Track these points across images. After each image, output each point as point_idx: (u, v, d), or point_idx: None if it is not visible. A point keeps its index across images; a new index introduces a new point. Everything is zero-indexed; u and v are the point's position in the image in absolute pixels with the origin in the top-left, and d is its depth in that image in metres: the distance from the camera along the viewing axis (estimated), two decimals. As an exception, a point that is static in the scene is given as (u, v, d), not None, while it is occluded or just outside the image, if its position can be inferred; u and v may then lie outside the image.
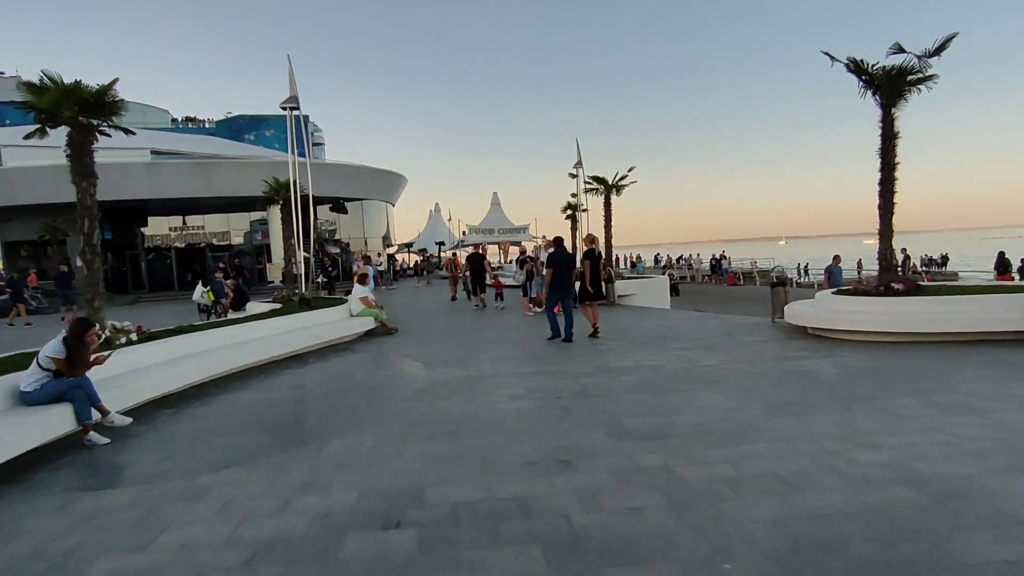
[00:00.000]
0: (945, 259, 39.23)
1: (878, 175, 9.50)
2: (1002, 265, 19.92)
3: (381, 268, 29.34)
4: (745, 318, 12.41)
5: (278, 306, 12.00)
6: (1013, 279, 19.91)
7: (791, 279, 26.03)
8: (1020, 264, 19.96)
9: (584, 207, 24.09)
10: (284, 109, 11.68)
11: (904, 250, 23.37)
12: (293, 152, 12.28)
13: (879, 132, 9.47)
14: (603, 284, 10.88)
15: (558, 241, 10.36)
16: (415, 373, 7.57)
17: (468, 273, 18.60)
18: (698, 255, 44.54)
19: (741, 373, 6.68)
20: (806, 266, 41.41)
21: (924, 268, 36.29)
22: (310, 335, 9.89)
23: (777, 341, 8.92)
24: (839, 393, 5.61)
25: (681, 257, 48.73)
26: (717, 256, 39.52)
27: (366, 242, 35.59)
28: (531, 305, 15.25)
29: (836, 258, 15.60)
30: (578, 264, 10.80)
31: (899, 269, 23.82)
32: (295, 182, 12.46)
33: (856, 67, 9.23)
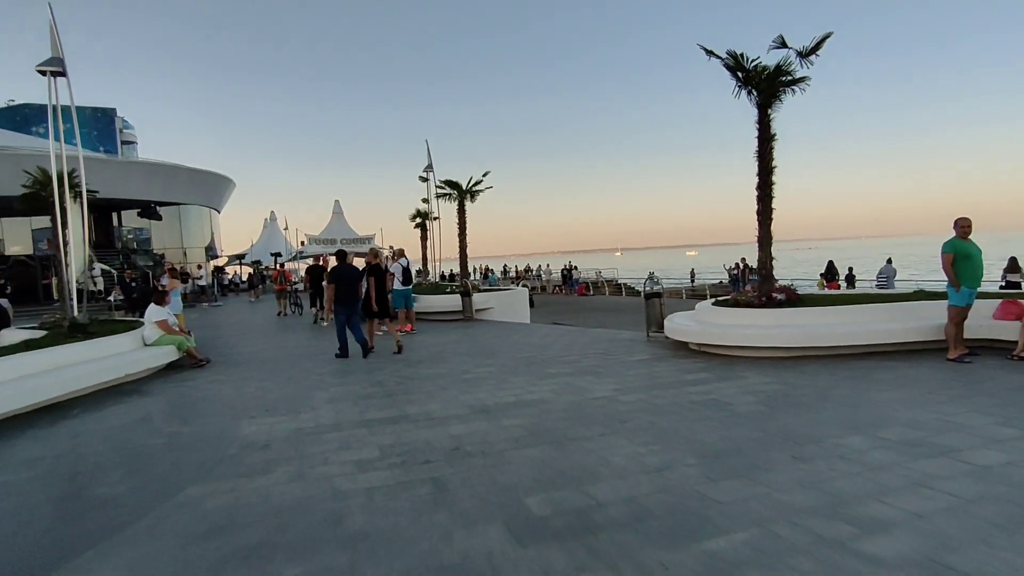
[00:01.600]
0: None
1: (755, 179, 9.00)
2: (829, 273, 21.46)
3: (203, 283, 25.48)
4: (617, 333, 11.57)
5: (41, 333, 9.03)
6: (839, 287, 21.51)
7: (663, 290, 26.44)
8: (847, 272, 21.62)
9: (435, 215, 22.56)
10: (42, 73, 8.79)
11: (743, 260, 24.54)
12: (60, 137, 9.38)
13: (755, 134, 8.98)
14: (388, 301, 10.94)
15: (341, 255, 9.93)
16: (222, 430, 5.49)
17: (309, 287, 16.31)
18: (548, 266, 44.81)
19: (645, 407, 5.47)
20: (649, 275, 43.08)
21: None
22: (77, 375, 7.24)
23: (663, 360, 7.96)
24: (772, 432, 4.54)
25: (528, 268, 48.90)
26: (568, 267, 39.82)
27: (185, 253, 31.08)
28: (379, 324, 13.36)
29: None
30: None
31: (740, 280, 25.07)
32: (64, 175, 9.53)
33: (736, 63, 8.63)
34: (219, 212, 36.15)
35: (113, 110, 66.04)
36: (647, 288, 10.77)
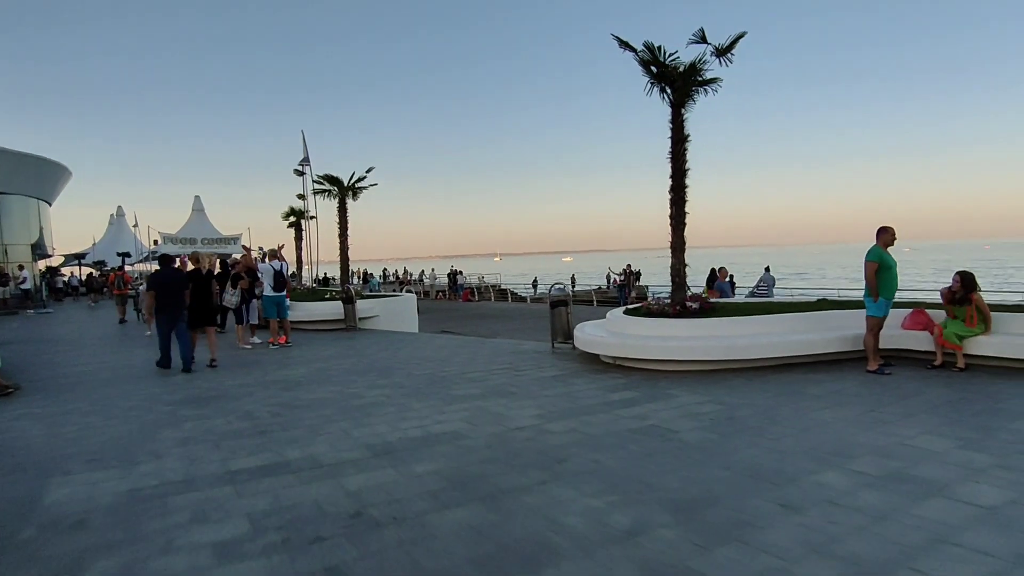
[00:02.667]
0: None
1: (669, 182, 8.57)
2: (711, 280, 22.07)
3: (25, 286, 21.75)
4: (518, 344, 10.77)
5: None
6: (720, 295, 22.23)
7: (569, 296, 25.91)
8: (728, 280, 22.33)
9: (311, 214, 20.73)
10: None
11: (628, 266, 24.84)
12: None
13: (669, 135, 8.55)
14: (216, 309, 10.03)
15: (164, 259, 9.01)
16: (17, 495, 3.96)
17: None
18: (433, 270, 43.58)
19: (580, 440, 4.64)
20: (534, 281, 43.44)
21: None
22: None
23: (578, 376, 7.24)
24: (739, 469, 3.86)
25: (406, 271, 47.40)
26: (453, 271, 38.80)
27: (7, 251, 26.51)
28: (252, 335, 11.69)
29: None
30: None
31: (627, 286, 25.37)
32: None
33: (652, 57, 8.13)
34: (50, 204, 31.34)
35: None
36: (552, 295, 10.06)
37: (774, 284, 17.89)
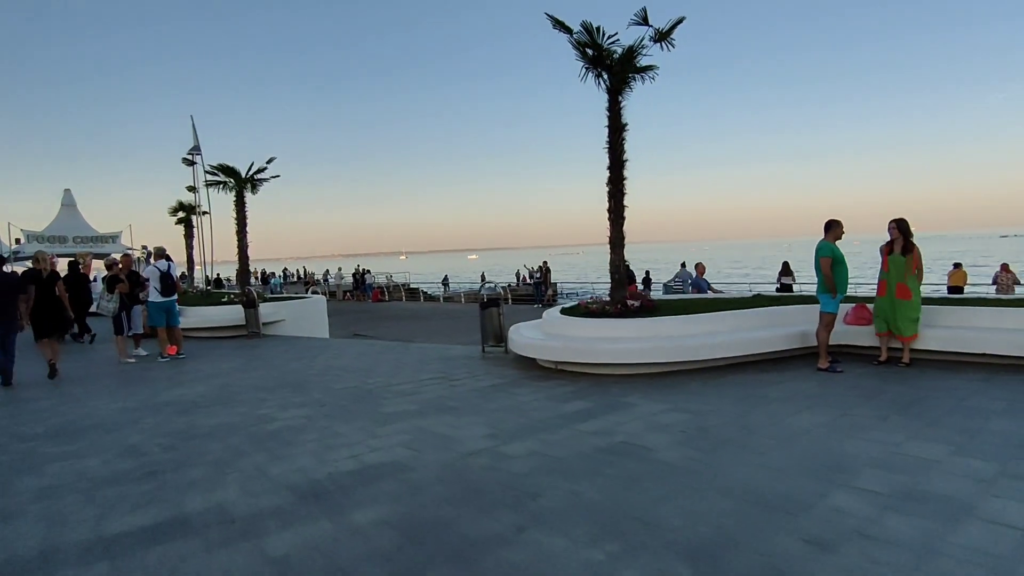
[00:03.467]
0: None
1: (606, 173, 8.11)
2: (628, 277, 22.17)
3: None
4: (445, 349, 10.00)
5: None
6: (637, 288, 22.32)
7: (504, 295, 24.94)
8: (644, 276, 22.55)
9: (203, 209, 18.88)
10: None
11: (544, 263, 24.53)
12: None
13: (606, 123, 8.09)
14: (65, 314, 9.12)
15: None
16: None
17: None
18: (340, 269, 41.62)
19: (547, 465, 3.99)
20: (444, 279, 42.61)
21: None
22: None
23: (521, 385, 6.61)
24: (740, 496, 3.35)
25: (307, 271, 45.08)
26: (360, 271, 37.12)
27: None
28: (136, 347, 10.24)
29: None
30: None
31: (542, 284, 25.05)
32: None
33: (590, 39, 7.61)
34: None
35: None
36: (483, 296, 9.36)
37: (690, 279, 18.09)
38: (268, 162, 15.18)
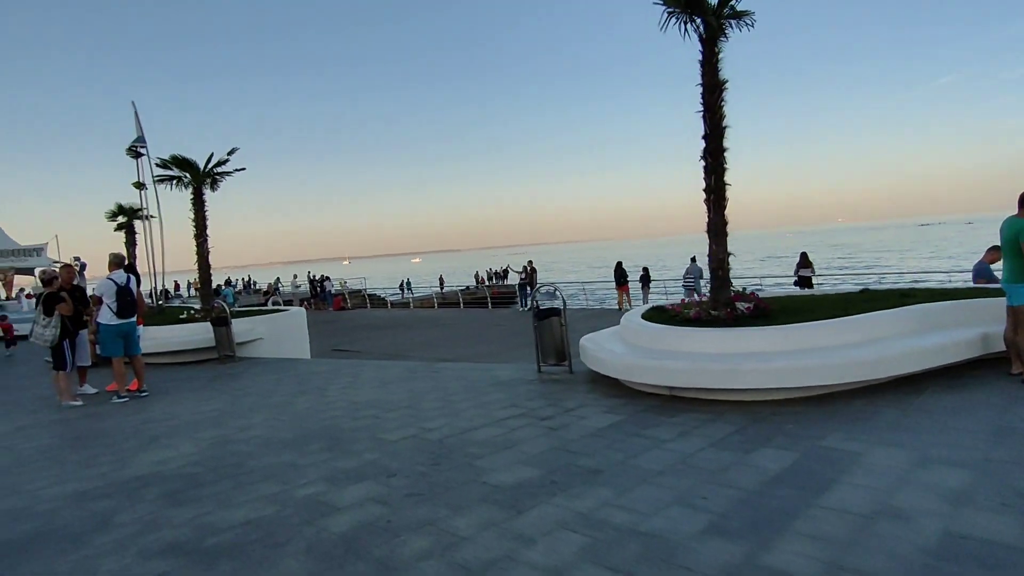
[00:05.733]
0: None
1: (701, 144, 6.48)
2: (621, 276, 20.72)
3: None
4: (484, 368, 8.16)
5: None
6: (628, 289, 20.90)
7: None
8: (642, 273, 21.11)
9: (150, 214, 16.34)
10: None
11: (530, 263, 22.81)
12: None
13: (699, 81, 6.46)
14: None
15: None
16: None
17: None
18: (295, 276, 38.87)
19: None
20: (403, 283, 40.62)
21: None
22: None
23: (644, 423, 4.87)
24: None
25: (251, 279, 42.05)
26: (319, 277, 34.48)
27: None
28: (82, 384, 8.03)
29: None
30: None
31: (528, 284, 23.27)
32: None
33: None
34: None
35: None
36: (536, 304, 7.55)
37: (701, 275, 16.82)
38: (229, 153, 12.91)
